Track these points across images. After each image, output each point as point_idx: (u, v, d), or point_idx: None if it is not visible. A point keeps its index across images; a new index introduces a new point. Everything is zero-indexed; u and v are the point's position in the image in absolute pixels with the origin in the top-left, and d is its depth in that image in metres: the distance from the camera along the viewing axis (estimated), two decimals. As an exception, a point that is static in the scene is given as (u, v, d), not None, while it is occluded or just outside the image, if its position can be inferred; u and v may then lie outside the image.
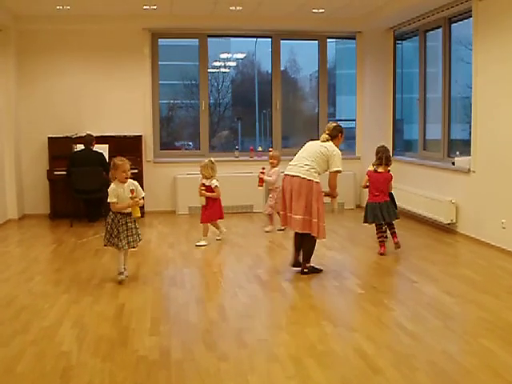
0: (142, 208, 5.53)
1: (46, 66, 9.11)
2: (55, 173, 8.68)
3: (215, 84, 12.41)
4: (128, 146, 9.04)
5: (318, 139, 5.74)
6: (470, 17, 7.11)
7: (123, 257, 5.50)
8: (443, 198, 7.48)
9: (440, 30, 8.10)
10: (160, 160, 9.54)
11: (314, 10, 8.86)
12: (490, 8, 6.67)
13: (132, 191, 5.31)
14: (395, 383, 3.32)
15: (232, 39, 12.07)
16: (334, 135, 5.64)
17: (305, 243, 5.61)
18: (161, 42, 9.62)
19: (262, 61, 11.86)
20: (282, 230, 7.53)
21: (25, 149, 9.12)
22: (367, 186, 6.58)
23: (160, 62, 9.67)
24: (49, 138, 8.91)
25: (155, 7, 8.50)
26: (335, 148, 5.58)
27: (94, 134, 8.61)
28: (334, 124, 5.73)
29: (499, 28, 6.52)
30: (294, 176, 5.47)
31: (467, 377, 3.40)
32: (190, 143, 11.09)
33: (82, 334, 4.13)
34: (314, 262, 5.72)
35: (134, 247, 5.49)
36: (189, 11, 8.94)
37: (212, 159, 7.06)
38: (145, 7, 8.48)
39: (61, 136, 8.92)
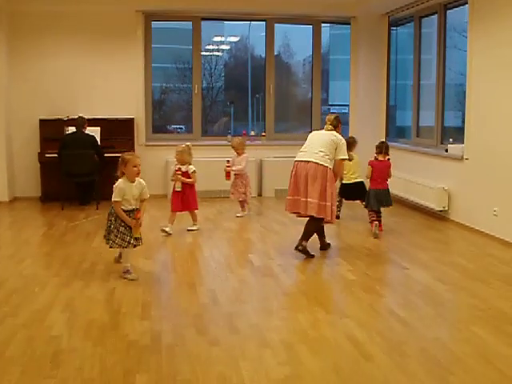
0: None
1: (38, 48, 8.97)
2: (46, 155, 8.58)
3: (208, 67, 12.35)
4: (120, 129, 8.98)
5: (316, 128, 5.91)
6: (466, 3, 7.07)
7: (128, 255, 5.14)
8: (436, 185, 7.49)
9: (435, 16, 8.05)
10: (152, 143, 9.46)
11: (309, -6, 8.80)
12: (486, -6, 6.64)
13: (137, 212, 5.01)
14: (387, 370, 3.32)
15: (226, 22, 11.95)
16: (335, 125, 5.91)
17: (310, 223, 5.75)
18: (154, 24, 9.51)
19: (256, 45, 11.80)
20: (241, 216, 7.76)
21: (16, 131, 9.01)
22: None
23: (153, 45, 9.57)
24: (40, 120, 8.80)
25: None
26: (341, 137, 5.83)
27: (86, 117, 8.53)
28: (334, 115, 6.00)
29: (494, 15, 6.49)
30: (308, 162, 5.62)
31: (458, 364, 3.40)
32: (182, 127, 11.03)
33: (72, 318, 4.11)
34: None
35: (139, 245, 5.15)
36: (182, -7, 8.85)
37: (189, 144, 6.90)
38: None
39: (52, 118, 8.82)
